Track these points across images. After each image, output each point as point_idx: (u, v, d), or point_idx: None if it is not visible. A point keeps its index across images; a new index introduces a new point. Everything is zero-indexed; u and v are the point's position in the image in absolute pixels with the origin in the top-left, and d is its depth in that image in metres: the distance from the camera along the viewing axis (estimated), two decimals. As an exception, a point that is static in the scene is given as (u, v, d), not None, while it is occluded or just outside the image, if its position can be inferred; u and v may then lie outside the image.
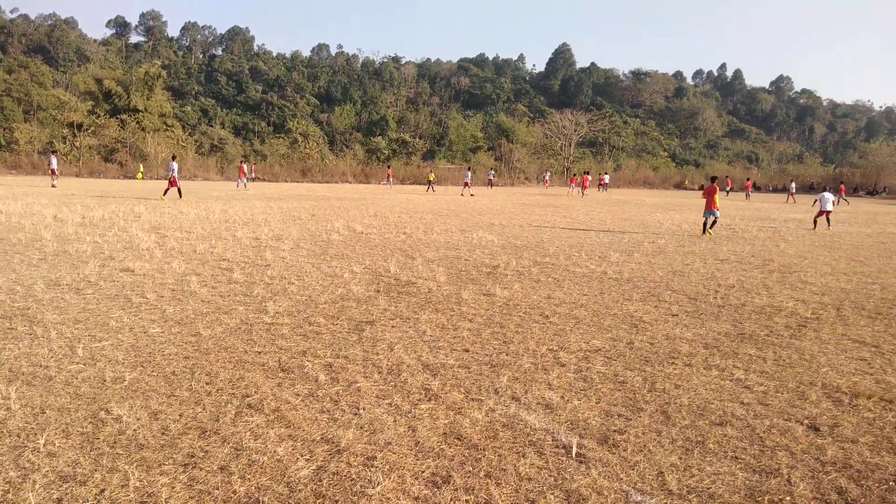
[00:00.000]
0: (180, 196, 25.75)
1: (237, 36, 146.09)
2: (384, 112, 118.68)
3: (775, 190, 75.96)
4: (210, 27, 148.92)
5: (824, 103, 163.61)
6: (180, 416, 3.99)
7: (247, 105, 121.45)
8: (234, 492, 3.10)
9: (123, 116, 61.54)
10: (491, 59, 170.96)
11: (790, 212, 31.68)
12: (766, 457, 3.71)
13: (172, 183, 25.21)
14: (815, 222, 21.31)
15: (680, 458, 3.66)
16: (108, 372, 4.74)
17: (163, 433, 3.73)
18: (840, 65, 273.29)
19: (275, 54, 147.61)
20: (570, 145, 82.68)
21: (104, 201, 22.78)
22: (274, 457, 3.48)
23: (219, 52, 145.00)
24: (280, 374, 4.84)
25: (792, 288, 9.35)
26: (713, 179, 18.46)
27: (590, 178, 51.39)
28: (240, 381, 4.65)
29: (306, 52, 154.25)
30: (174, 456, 3.45)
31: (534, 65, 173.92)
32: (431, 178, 49.46)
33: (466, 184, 41.83)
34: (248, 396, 4.37)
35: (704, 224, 17.63)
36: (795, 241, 16.54)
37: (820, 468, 3.59)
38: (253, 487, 3.15)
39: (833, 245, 15.69)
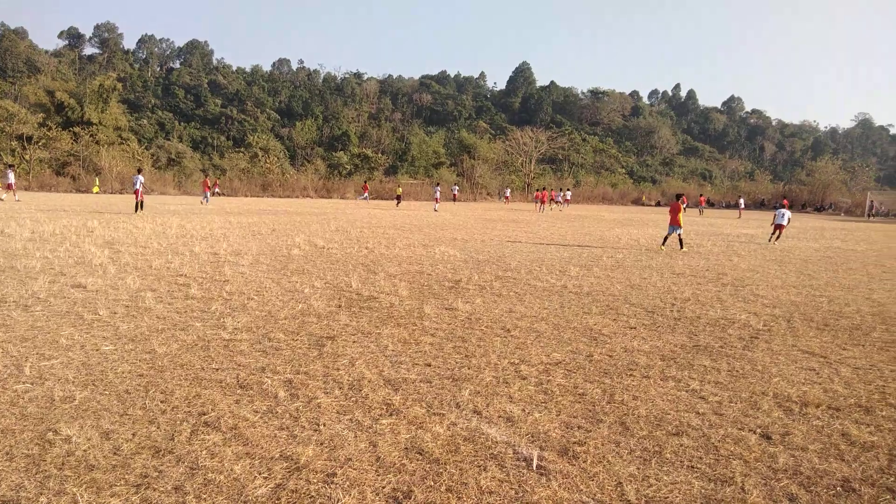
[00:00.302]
0: (138, 210, 25.65)
1: (195, 49, 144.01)
2: (346, 127, 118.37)
3: (728, 206, 78.17)
4: (168, 40, 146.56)
5: (773, 123, 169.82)
6: (133, 435, 3.88)
7: (205, 119, 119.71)
8: (190, 512, 3.03)
9: (76, 129, 59.83)
10: (452, 76, 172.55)
11: (742, 227, 32.66)
12: (721, 465, 3.80)
13: (138, 195, 25.61)
14: (771, 236, 22.48)
15: (638, 469, 3.71)
16: (57, 391, 4.58)
17: (114, 453, 3.62)
18: (787, 87, 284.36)
19: (234, 68, 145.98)
20: (531, 162, 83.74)
21: (55, 215, 22.07)
22: (231, 475, 3.41)
23: (177, 65, 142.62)
24: (238, 391, 4.75)
25: (744, 301, 9.62)
26: (678, 197, 18.94)
27: (557, 194, 54.57)
28: (196, 399, 4.55)
29: (267, 67, 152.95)
30: (126, 477, 3.35)
31: (495, 83, 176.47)
32: (399, 192, 49.61)
33: (437, 199, 42.51)
34: (204, 414, 4.27)
35: (665, 238, 18.14)
36: (748, 255, 17.05)
37: (772, 475, 3.69)
38: (209, 507, 3.08)
39: (783, 259, 16.23)
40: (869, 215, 59.90)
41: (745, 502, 3.35)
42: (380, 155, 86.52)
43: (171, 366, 5.30)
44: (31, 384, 4.71)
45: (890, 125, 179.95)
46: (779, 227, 22.15)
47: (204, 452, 3.68)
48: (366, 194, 52.61)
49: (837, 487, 3.57)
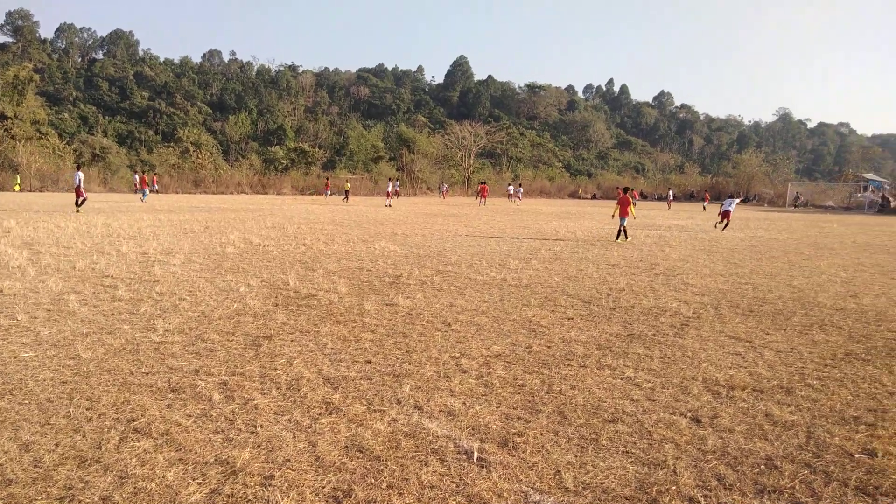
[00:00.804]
0: (78, 207, 25.32)
1: (120, 40, 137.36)
2: (281, 121, 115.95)
3: (659, 198, 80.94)
4: (89, 29, 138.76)
5: (701, 117, 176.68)
6: (56, 445, 3.68)
7: (132, 112, 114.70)
8: (118, 523, 2.90)
9: (-11, 123, 56.34)
10: (390, 69, 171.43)
11: (672, 218, 33.87)
12: (654, 450, 3.93)
13: (78, 192, 25.41)
14: (717, 223, 24.81)
15: (576, 456, 3.79)
16: (-30, 403, 4.30)
17: (35, 466, 3.42)
18: (713, 82, 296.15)
19: (162, 59, 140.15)
20: (470, 156, 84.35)
21: (-33, 215, 20.73)
22: (163, 483, 3.28)
23: (100, 55, 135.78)
24: (170, 395, 4.58)
25: (676, 290, 9.98)
26: (626, 190, 19.55)
27: (518, 189, 57.07)
28: (125, 405, 4.36)
29: (197, 59, 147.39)
30: (48, 490, 3.17)
31: (433, 76, 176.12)
32: (348, 188, 49.24)
33: (389, 194, 42.67)
34: (134, 420, 4.10)
35: (620, 231, 18.55)
36: (678, 245, 17.69)
37: (702, 457, 3.84)
38: (139, 517, 2.96)
39: (711, 249, 16.92)
40: (794, 205, 63.04)
41: (677, 484, 3.48)
42: (317, 149, 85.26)
43: (97, 371, 5.06)
44: (-59, 396, 4.41)
45: (808, 119, 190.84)
46: (725, 214, 24.14)
47: (134, 460, 3.53)
48: (328, 191, 53.92)
49: (761, 465, 3.74)
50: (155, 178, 42.49)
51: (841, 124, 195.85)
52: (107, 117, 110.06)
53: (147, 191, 38.67)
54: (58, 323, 6.59)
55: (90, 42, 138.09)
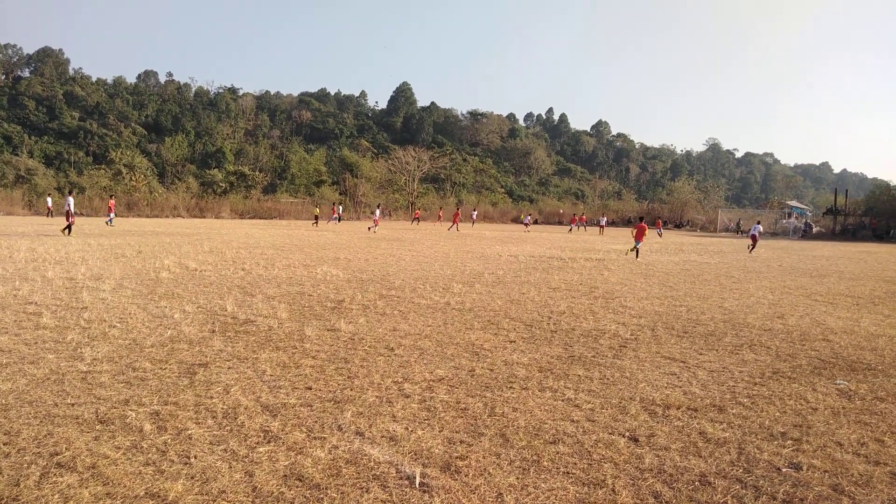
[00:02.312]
0: (67, 231, 25.16)
1: (48, 57, 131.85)
2: (220, 144, 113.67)
3: (596, 224, 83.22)
4: (15, 46, 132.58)
5: (637, 146, 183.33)
6: (-32, 484, 3.44)
7: (61, 133, 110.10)
8: (37, 565, 2.72)
9: None
10: (333, 94, 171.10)
11: (611, 243, 34.80)
12: (594, 469, 3.99)
13: (68, 217, 25.38)
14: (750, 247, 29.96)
15: (517, 479, 3.81)
16: None
17: (-56, 506, 3.19)
18: (648, 113, 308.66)
19: (94, 79, 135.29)
20: (414, 181, 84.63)
21: None
22: (87, 520, 3.11)
23: (26, 73, 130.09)
24: (98, 427, 4.35)
25: (614, 312, 10.23)
26: (641, 219, 25.22)
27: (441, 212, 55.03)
28: (47, 438, 4.12)
29: (131, 79, 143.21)
30: (-41, 532, 2.96)
31: (376, 102, 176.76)
32: (317, 213, 48.64)
33: (375, 221, 42.09)
34: (57, 454, 3.87)
35: (635, 249, 22.96)
36: (617, 269, 18.18)
37: (639, 475, 3.92)
38: (60, 557, 2.79)
39: (648, 273, 17.46)
40: (737, 231, 64.52)
41: (616, 503, 3.53)
42: (258, 173, 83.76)
43: (17, 403, 4.77)
44: None
45: (735, 149, 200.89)
46: (753, 237, 29.96)
47: (56, 496, 3.33)
48: (335, 216, 52.66)
49: (696, 482, 3.85)
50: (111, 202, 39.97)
51: (766, 154, 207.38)
52: (33, 137, 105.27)
53: (113, 215, 38.37)
54: (-26, 353, 6.19)
55: (15, 59, 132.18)
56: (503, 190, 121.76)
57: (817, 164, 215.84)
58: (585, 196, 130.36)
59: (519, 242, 31.78)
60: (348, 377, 5.86)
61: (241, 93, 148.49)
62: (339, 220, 55.01)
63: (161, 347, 6.72)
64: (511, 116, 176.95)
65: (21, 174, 66.32)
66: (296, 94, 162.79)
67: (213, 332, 7.61)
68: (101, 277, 12.12)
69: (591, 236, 44.78)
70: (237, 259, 17.04)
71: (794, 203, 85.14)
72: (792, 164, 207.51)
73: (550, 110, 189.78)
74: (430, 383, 5.76)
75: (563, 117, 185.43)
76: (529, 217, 61.13)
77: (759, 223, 32.03)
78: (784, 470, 4.07)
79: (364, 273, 14.65)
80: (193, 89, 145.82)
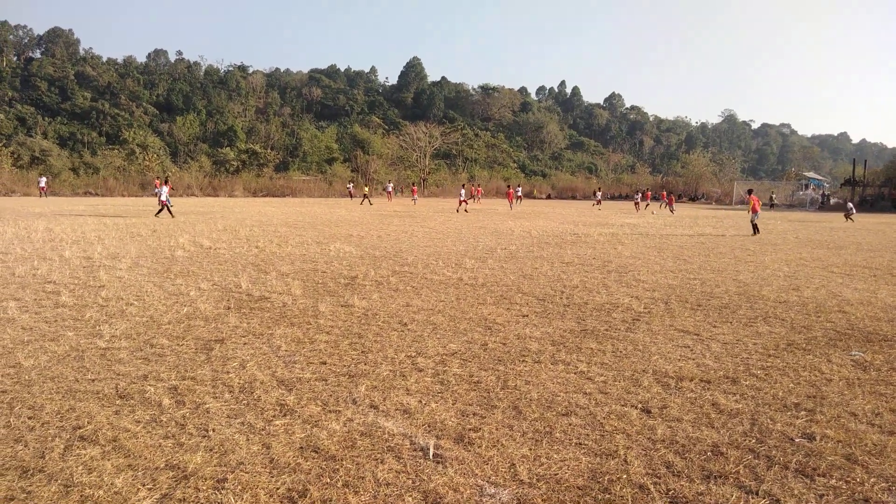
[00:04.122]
0: (161, 213, 25.62)
1: (59, 38, 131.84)
2: (232, 122, 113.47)
3: (612, 198, 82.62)
4: (25, 27, 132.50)
5: (651, 119, 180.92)
6: (-5, 457, 3.53)
7: (73, 114, 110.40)
8: (63, 533, 2.81)
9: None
10: (343, 70, 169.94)
11: (626, 216, 34.59)
12: (606, 441, 4.02)
13: (163, 203, 25.50)
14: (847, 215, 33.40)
15: (530, 450, 3.85)
16: None
17: (-28, 478, 3.28)
18: (662, 84, 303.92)
19: (105, 59, 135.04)
20: (426, 157, 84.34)
21: None
22: (111, 490, 3.19)
23: (37, 54, 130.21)
24: (118, 402, 4.45)
25: (627, 286, 10.20)
26: (750, 192, 24.81)
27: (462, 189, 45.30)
28: (70, 413, 4.21)
29: (141, 58, 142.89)
30: (-13, 502, 3.05)
31: (386, 77, 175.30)
32: (366, 192, 48.18)
33: (462, 201, 38.17)
34: (79, 428, 3.97)
35: (754, 225, 22.51)
36: (630, 243, 18.09)
37: (651, 446, 3.94)
38: (85, 526, 2.87)
39: (661, 246, 17.37)
40: (770, 206, 62.41)
41: (628, 473, 3.56)
42: (269, 151, 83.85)
43: (39, 379, 4.87)
44: None
45: (752, 120, 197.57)
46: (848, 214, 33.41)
47: (80, 468, 3.42)
48: (415, 196, 51.34)
49: (708, 452, 3.87)
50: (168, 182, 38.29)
51: (783, 125, 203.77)
52: (46, 118, 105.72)
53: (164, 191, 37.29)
54: (-4, 331, 6.32)
55: (26, 40, 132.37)
56: (515, 165, 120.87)
57: (836, 134, 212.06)
58: (599, 170, 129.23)
59: (532, 218, 31.68)
60: (362, 352, 5.92)
61: (250, 71, 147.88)
62: (351, 198, 55.05)
63: (178, 324, 6.81)
64: (523, 90, 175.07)
65: (36, 155, 66.82)
66: (306, 70, 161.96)
67: (229, 308, 7.70)
68: (118, 256, 12.26)
69: (606, 210, 44.39)
70: (251, 237, 17.15)
71: (811, 174, 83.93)
72: (809, 135, 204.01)
73: (563, 83, 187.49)
74: (443, 357, 5.80)
75: (575, 90, 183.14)
76: (600, 193, 51.58)
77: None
78: (797, 440, 4.07)
79: (377, 249, 14.70)
80: (203, 68, 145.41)
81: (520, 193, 60.19)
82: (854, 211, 34.83)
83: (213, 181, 64.81)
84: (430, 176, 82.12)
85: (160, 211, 25.65)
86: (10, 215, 24.25)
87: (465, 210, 37.02)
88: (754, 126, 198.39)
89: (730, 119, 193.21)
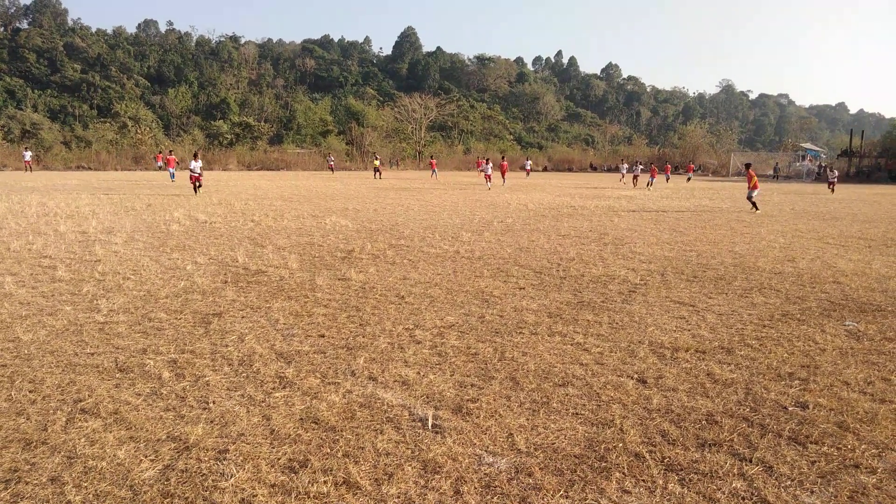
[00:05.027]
0: (196, 192, 23.60)
1: (46, 8, 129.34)
2: (224, 94, 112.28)
3: (609, 170, 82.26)
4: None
5: (648, 90, 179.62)
6: (-2, 429, 3.56)
7: (64, 86, 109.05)
8: (69, 502, 2.85)
9: None
10: (336, 41, 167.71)
11: (621, 189, 34.53)
12: (603, 410, 4.07)
13: (194, 179, 23.54)
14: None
15: (527, 420, 3.90)
16: None
17: (-24, 450, 3.32)
18: (660, 54, 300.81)
19: (94, 30, 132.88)
20: (421, 129, 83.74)
21: None
22: (114, 461, 3.23)
23: (24, 25, 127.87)
24: (118, 375, 4.47)
25: (624, 258, 10.23)
26: (748, 166, 21.90)
27: (484, 164, 36.81)
28: (70, 386, 4.24)
29: (131, 29, 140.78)
30: (-8, 474, 3.08)
31: (381, 48, 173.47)
32: (377, 165, 47.28)
33: (488, 176, 34.48)
34: (80, 401, 4.00)
35: (753, 202, 20.42)
36: (627, 216, 18.10)
37: (647, 416, 4.00)
38: (91, 495, 2.91)
39: (658, 219, 17.38)
40: (775, 176, 61.77)
41: (624, 441, 3.62)
42: (263, 123, 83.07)
43: (39, 353, 4.89)
44: None
45: (749, 91, 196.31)
46: (831, 183, 33.62)
47: (82, 440, 3.46)
48: (435, 170, 48.58)
49: (703, 421, 3.93)
50: (171, 155, 36.87)
51: (780, 95, 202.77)
52: (36, 91, 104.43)
53: (173, 170, 35.77)
54: (-7, 306, 6.32)
55: (12, 10, 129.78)
56: (512, 137, 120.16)
57: (833, 104, 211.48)
58: (595, 142, 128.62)
59: (528, 190, 31.60)
60: (360, 325, 5.95)
61: (242, 41, 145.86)
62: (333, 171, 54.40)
63: (175, 298, 6.82)
64: (519, 60, 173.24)
65: (27, 129, 66.08)
66: (298, 41, 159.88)
67: (226, 282, 7.70)
68: (113, 231, 12.22)
69: (603, 182, 44.27)
70: (246, 211, 17.09)
71: (808, 145, 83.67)
72: (807, 106, 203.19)
73: (559, 53, 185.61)
74: (441, 330, 5.84)
75: (572, 60, 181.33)
76: (640, 166, 42.75)
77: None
78: (790, 409, 4.13)
79: (373, 223, 14.67)
80: (194, 38, 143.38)
81: (528, 167, 58.14)
82: (835, 181, 34.65)
83: (207, 154, 64.23)
84: (426, 148, 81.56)
85: (198, 187, 23.65)
86: (3, 190, 24.07)
87: (489, 188, 32.44)
88: (752, 96, 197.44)
89: (727, 89, 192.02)
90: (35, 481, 3.03)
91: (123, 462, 3.23)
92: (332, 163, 57.54)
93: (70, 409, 3.87)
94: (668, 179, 48.20)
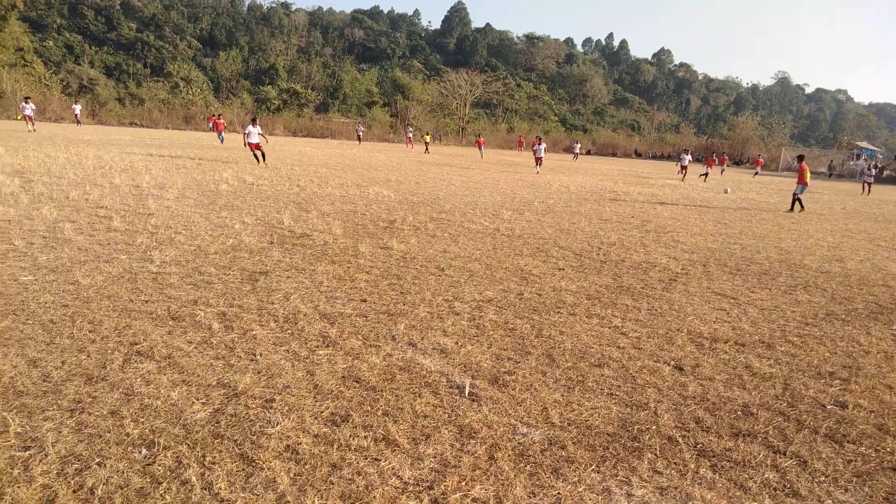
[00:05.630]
0: (261, 160, 21.18)
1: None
2: (274, 60, 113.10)
3: (654, 157, 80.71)
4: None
5: (700, 77, 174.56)
6: (62, 363, 3.79)
7: (119, 44, 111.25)
8: (128, 434, 3.04)
9: (-29, 47, 54.67)
10: (386, 12, 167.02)
11: (665, 177, 33.88)
12: (638, 393, 4.10)
13: (254, 147, 21.03)
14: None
15: (562, 396, 3.96)
16: (-27, 321, 4.38)
17: (44, 380, 3.54)
18: (714, 42, 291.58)
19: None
20: (466, 105, 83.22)
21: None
22: (168, 401, 3.42)
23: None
24: (170, 323, 4.68)
25: (666, 246, 10.13)
26: (800, 158, 18.90)
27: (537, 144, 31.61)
28: (126, 330, 4.46)
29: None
30: (59, 402, 3.30)
31: (429, 21, 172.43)
32: (427, 140, 47.37)
33: (539, 159, 30.45)
34: (136, 344, 4.21)
35: (797, 199, 18.20)
36: (671, 204, 17.81)
37: (682, 402, 4.02)
38: (147, 430, 3.10)
39: (702, 208, 17.07)
40: (829, 174, 59.35)
41: (657, 424, 3.66)
42: (310, 91, 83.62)
43: (97, 297, 5.14)
44: (-56, 313, 4.49)
45: (806, 84, 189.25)
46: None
47: (139, 380, 3.66)
48: (482, 147, 46.29)
49: (738, 412, 3.93)
50: (221, 122, 36.26)
51: (839, 91, 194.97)
52: (93, 47, 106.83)
53: (223, 133, 34.98)
54: (55, 250, 6.63)
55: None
56: (556, 118, 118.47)
57: (895, 102, 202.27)
58: (642, 128, 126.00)
59: (570, 172, 31.27)
60: (401, 293, 6.07)
61: (293, 8, 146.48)
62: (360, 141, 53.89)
63: (224, 255, 7.04)
64: (569, 41, 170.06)
65: (84, 84, 67.91)
66: (348, 11, 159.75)
67: (272, 243, 7.91)
68: (165, 186, 12.58)
69: (647, 168, 43.47)
70: (292, 175, 17.36)
71: (864, 144, 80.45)
72: (867, 103, 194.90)
73: (610, 36, 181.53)
74: (480, 303, 5.92)
75: (623, 44, 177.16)
76: (689, 158, 35.82)
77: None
78: (829, 407, 4.10)
79: (415, 195, 14.77)
80: (246, 3, 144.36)
81: (577, 150, 56.34)
82: (871, 181, 31.07)
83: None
84: (469, 125, 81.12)
85: (262, 156, 21.26)
86: (62, 142, 24.89)
87: (537, 171, 29.60)
88: (808, 90, 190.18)
89: (783, 82, 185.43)
90: (97, 413, 3.23)
91: (177, 403, 3.41)
92: (361, 132, 57.34)
93: (126, 351, 4.08)
94: (722, 172, 46.87)
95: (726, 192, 23.74)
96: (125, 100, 66.91)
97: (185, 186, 12.89)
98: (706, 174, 34.73)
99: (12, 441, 2.91)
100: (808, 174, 18.45)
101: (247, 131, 21.16)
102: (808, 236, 12.72)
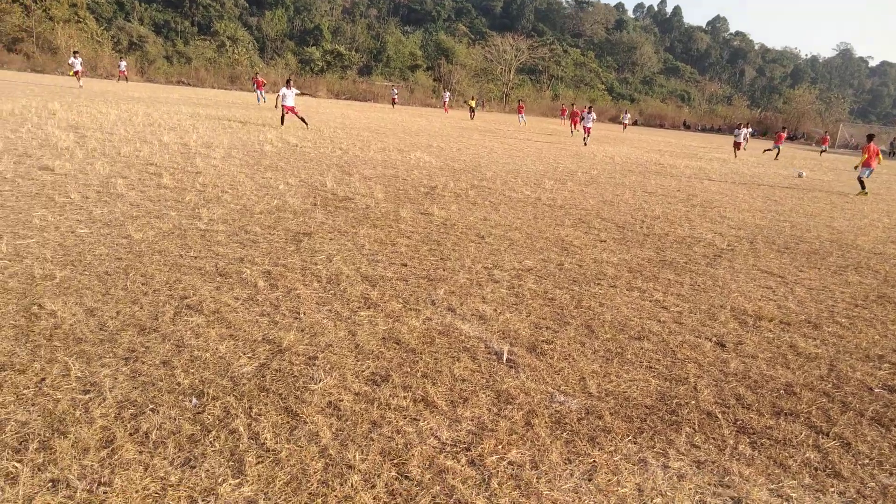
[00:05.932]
0: (304, 123, 20.53)
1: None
2: (318, 21, 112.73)
3: (703, 129, 78.31)
4: None
5: (756, 47, 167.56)
6: (117, 313, 3.96)
7: (168, 1, 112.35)
8: (179, 383, 3.17)
9: (27, 1, 55.87)
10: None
11: (714, 151, 32.93)
12: (677, 368, 4.07)
13: (289, 110, 20.17)
14: None
15: (600, 367, 3.96)
16: (36, 269, 4.59)
17: (101, 329, 3.71)
18: (774, 10, 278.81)
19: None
20: (510, 71, 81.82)
21: (11, 95, 21.02)
22: (216, 354, 3.54)
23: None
24: (218, 279, 4.82)
25: (711, 221, 9.90)
26: (870, 138, 17.29)
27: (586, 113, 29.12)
28: (177, 284, 4.61)
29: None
30: (114, 350, 3.45)
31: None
32: (473, 105, 45.79)
33: (587, 129, 27.92)
34: (186, 298, 4.35)
35: (861, 182, 16.52)
36: (718, 178, 17.35)
37: (723, 378, 3.98)
38: (197, 380, 3.22)
39: (752, 184, 16.57)
40: (892, 153, 55.79)
41: (697, 399, 3.64)
42: (354, 53, 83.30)
43: (148, 251, 5.31)
44: (10, 261, 4.71)
45: (870, 57, 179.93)
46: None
47: (188, 332, 3.79)
48: (522, 114, 44.02)
49: (781, 391, 3.88)
50: (260, 81, 35.75)
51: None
52: (143, 4, 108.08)
53: (262, 92, 34.80)
54: (108, 204, 6.86)
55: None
56: (603, 86, 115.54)
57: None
58: (692, 99, 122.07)
59: (615, 143, 30.64)
60: (441, 258, 6.10)
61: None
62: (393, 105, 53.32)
63: (269, 215, 7.17)
64: (619, 6, 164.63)
65: (133, 41, 69.02)
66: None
67: (315, 205, 8.01)
68: (212, 146, 12.81)
69: (695, 142, 42.26)
70: (334, 139, 17.46)
71: (930, 122, 76.33)
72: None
73: (663, 2, 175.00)
74: (519, 272, 5.92)
75: (676, 10, 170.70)
76: (746, 132, 32.53)
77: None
78: (876, 390, 4.01)
79: (456, 162, 14.71)
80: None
81: (627, 120, 54.36)
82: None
83: (298, 80, 65.34)
84: (514, 91, 79.87)
85: (302, 120, 20.42)
86: (113, 98, 25.46)
87: (585, 142, 27.21)
88: (872, 63, 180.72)
89: (845, 53, 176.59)
90: (150, 362, 3.37)
91: (224, 356, 3.53)
92: (395, 95, 56.75)
93: (177, 304, 4.23)
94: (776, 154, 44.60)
95: (800, 175, 20.81)
96: (173, 58, 67.81)
97: (230, 146, 13.09)
98: (778, 150, 31.21)
99: (73, 384, 3.07)
100: (880, 157, 16.75)
101: (281, 94, 20.30)
102: (862, 216, 12.27)
